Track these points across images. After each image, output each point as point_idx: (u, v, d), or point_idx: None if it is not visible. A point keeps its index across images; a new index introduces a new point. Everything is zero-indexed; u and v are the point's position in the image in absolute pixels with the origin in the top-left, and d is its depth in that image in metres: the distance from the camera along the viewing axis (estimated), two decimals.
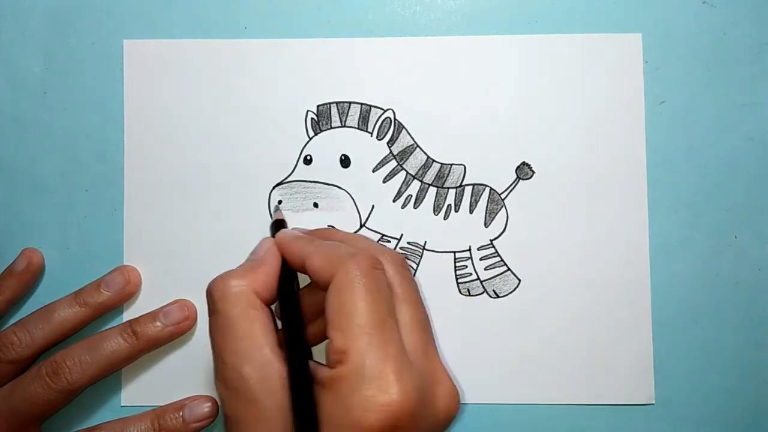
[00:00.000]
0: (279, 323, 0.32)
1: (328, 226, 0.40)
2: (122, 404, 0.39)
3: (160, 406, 0.39)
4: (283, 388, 0.28)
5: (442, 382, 0.30)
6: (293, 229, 0.35)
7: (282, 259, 0.32)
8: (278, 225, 0.36)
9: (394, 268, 0.32)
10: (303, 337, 0.31)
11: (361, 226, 0.40)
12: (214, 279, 0.31)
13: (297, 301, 0.32)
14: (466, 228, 0.40)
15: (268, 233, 0.40)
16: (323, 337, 0.33)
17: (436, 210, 0.40)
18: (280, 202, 0.40)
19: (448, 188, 0.40)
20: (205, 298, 0.31)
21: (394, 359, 0.27)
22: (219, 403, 0.29)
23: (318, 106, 0.40)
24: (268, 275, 0.31)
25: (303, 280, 0.33)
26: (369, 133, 0.40)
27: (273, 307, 0.32)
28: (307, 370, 0.29)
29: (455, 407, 0.30)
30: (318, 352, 0.32)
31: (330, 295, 0.29)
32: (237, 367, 0.29)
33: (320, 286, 0.30)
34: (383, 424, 0.26)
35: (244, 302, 0.30)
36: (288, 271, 0.32)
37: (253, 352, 0.29)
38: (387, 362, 0.27)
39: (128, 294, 0.39)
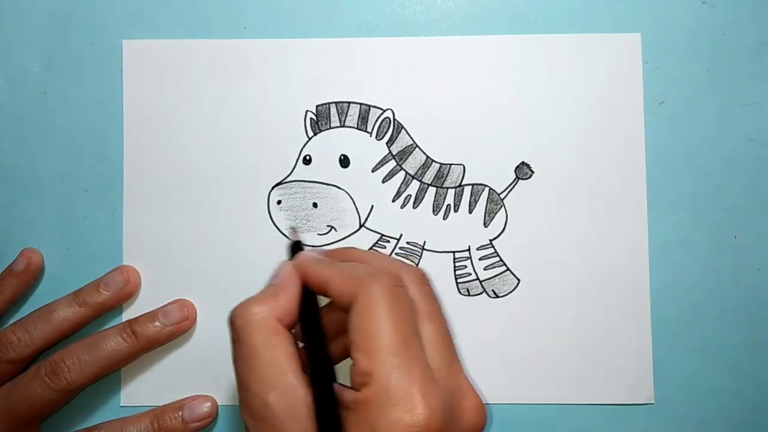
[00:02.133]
0: (300, 343, 0.32)
1: (329, 227, 0.40)
2: (122, 404, 0.39)
3: (160, 406, 0.39)
4: (309, 413, 0.28)
5: (467, 397, 0.30)
6: (311, 250, 0.35)
7: (302, 282, 0.32)
8: (295, 247, 0.36)
9: (415, 285, 0.31)
10: (327, 360, 0.31)
11: (361, 226, 0.40)
12: (236, 307, 0.30)
13: (319, 325, 0.32)
14: (465, 228, 0.40)
15: (266, 232, 0.40)
16: (345, 354, 0.33)
17: (436, 210, 0.40)
18: (279, 202, 0.40)
19: (448, 188, 0.40)
20: (228, 326, 0.31)
21: (419, 379, 0.27)
22: (245, 428, 0.29)
23: (317, 106, 0.40)
24: (289, 300, 0.31)
25: (321, 299, 0.33)
26: (368, 133, 0.40)
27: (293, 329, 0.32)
28: (333, 394, 0.29)
29: (482, 421, 0.30)
30: (341, 372, 0.32)
31: (353, 316, 0.29)
32: (261, 394, 0.28)
33: (342, 308, 0.30)
34: None
35: (266, 329, 0.30)
36: (308, 294, 0.32)
37: (277, 378, 0.29)
38: (412, 382, 0.27)
39: (128, 294, 0.39)
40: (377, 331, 0.28)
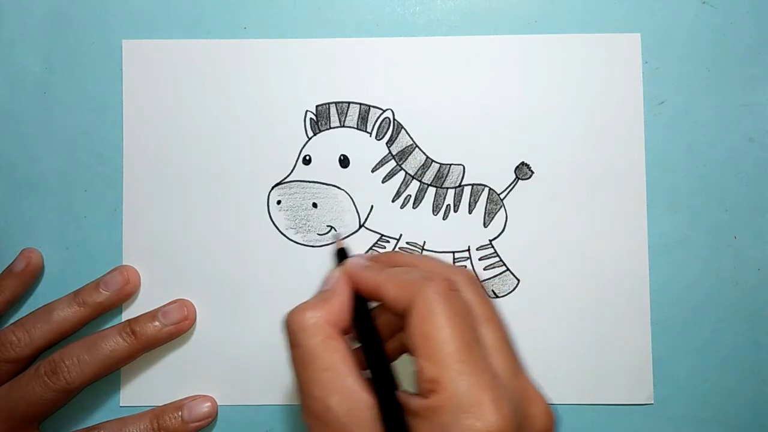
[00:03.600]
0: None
1: (328, 227, 0.40)
2: (121, 404, 0.39)
3: (159, 406, 0.39)
4: (372, 418, 0.28)
5: (535, 402, 0.30)
6: (357, 256, 0.35)
7: (353, 287, 0.32)
8: (342, 253, 0.36)
9: (469, 288, 0.31)
10: (387, 365, 0.31)
11: (360, 226, 0.40)
12: (290, 312, 0.31)
13: (374, 330, 0.32)
14: (465, 228, 0.40)
15: (266, 232, 0.40)
16: (397, 355, 0.34)
17: (435, 210, 0.40)
18: (279, 201, 0.40)
19: (447, 188, 0.40)
20: (283, 331, 0.31)
21: (488, 385, 0.27)
22: (307, 430, 0.30)
23: (317, 106, 0.40)
24: (341, 306, 0.31)
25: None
26: (368, 133, 0.40)
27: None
28: (397, 399, 0.29)
29: (551, 426, 0.30)
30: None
31: (412, 322, 0.29)
32: (323, 398, 0.28)
33: (396, 313, 0.30)
34: None
35: (322, 333, 0.30)
36: (359, 299, 0.32)
37: (337, 382, 0.29)
38: (482, 389, 0.27)
39: (127, 294, 0.39)
40: (440, 336, 0.28)
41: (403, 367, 0.32)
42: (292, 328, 0.30)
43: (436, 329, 0.28)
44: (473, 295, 0.31)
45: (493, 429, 0.26)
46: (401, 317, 0.30)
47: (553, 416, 0.30)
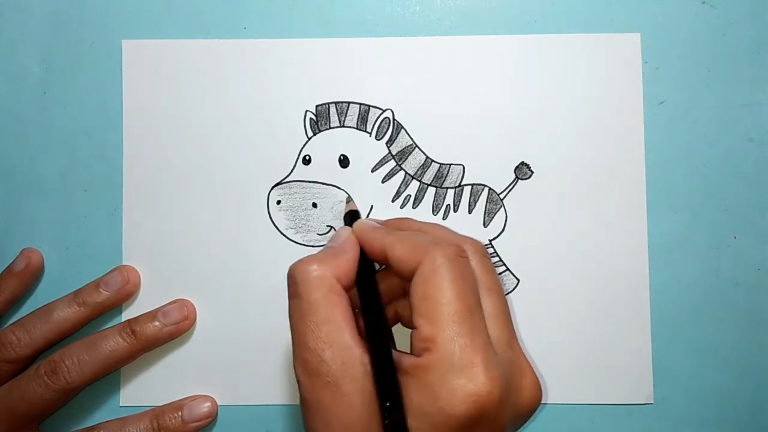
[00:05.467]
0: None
1: (328, 227, 0.40)
2: (121, 404, 0.39)
3: (159, 406, 0.39)
4: (365, 374, 0.28)
5: (525, 374, 0.30)
6: (368, 219, 0.35)
7: (360, 248, 0.33)
8: (353, 215, 0.36)
9: (476, 257, 0.31)
10: (385, 324, 0.31)
11: None
12: (296, 263, 0.31)
13: (377, 289, 0.32)
14: (464, 228, 0.40)
15: (266, 232, 0.40)
16: (393, 322, 0.34)
17: (435, 210, 0.40)
18: (279, 202, 0.40)
19: (447, 188, 0.40)
20: (286, 282, 0.31)
21: (482, 349, 0.27)
22: (297, 386, 0.29)
23: (317, 106, 0.40)
24: (348, 263, 0.31)
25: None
26: (368, 133, 0.40)
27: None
28: (391, 358, 0.29)
29: (538, 399, 0.30)
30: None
31: (416, 283, 0.29)
32: (318, 350, 0.28)
33: (402, 276, 0.30)
34: (471, 413, 0.26)
35: (326, 287, 0.30)
36: (366, 260, 0.32)
37: (334, 336, 0.29)
38: (476, 352, 0.27)
39: (127, 294, 0.39)
40: (441, 298, 0.28)
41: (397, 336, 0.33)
42: (296, 278, 0.30)
43: (439, 290, 0.28)
44: (479, 265, 0.31)
45: (482, 391, 0.27)
46: (405, 279, 0.30)
47: (541, 389, 0.31)
